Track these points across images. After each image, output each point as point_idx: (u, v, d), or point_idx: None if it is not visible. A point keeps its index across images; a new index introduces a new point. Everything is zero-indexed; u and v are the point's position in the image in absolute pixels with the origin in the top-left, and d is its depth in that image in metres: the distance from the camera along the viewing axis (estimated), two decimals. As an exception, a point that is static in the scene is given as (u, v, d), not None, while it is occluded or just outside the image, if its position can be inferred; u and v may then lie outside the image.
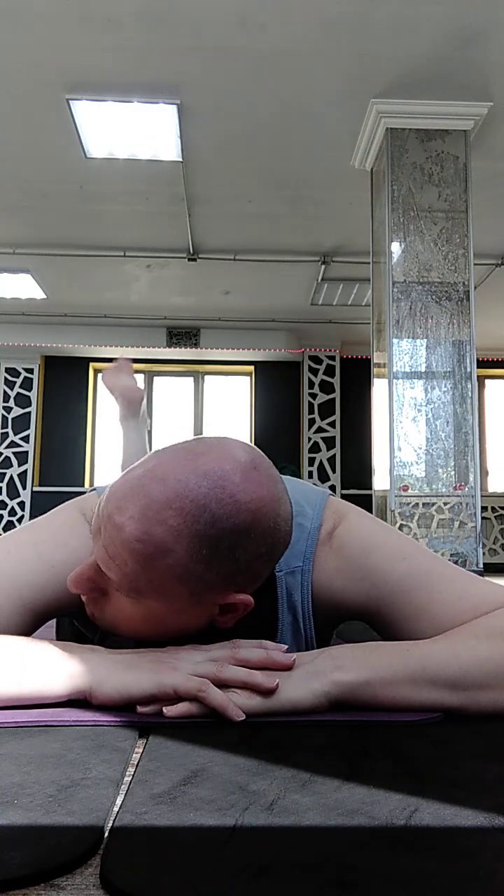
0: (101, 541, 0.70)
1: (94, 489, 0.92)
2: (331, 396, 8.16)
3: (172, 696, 0.66)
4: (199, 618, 0.73)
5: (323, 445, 8.10)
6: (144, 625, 0.73)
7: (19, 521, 7.86)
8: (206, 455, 0.69)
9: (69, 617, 0.91)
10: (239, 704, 0.66)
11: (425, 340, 3.81)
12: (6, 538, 0.85)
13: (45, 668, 0.68)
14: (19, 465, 7.96)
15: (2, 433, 8.00)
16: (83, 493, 0.93)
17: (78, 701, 0.69)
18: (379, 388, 4.05)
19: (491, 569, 6.76)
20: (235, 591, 0.71)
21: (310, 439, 8.10)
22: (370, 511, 4.07)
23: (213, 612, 0.72)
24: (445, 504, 3.67)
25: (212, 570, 0.68)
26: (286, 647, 0.71)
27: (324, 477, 8.02)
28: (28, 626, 0.79)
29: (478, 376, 4.93)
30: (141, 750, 0.61)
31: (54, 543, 0.82)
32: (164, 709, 0.66)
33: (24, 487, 7.93)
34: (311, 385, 8.17)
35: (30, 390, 8.06)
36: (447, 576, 0.82)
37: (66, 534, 0.84)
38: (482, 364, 7.72)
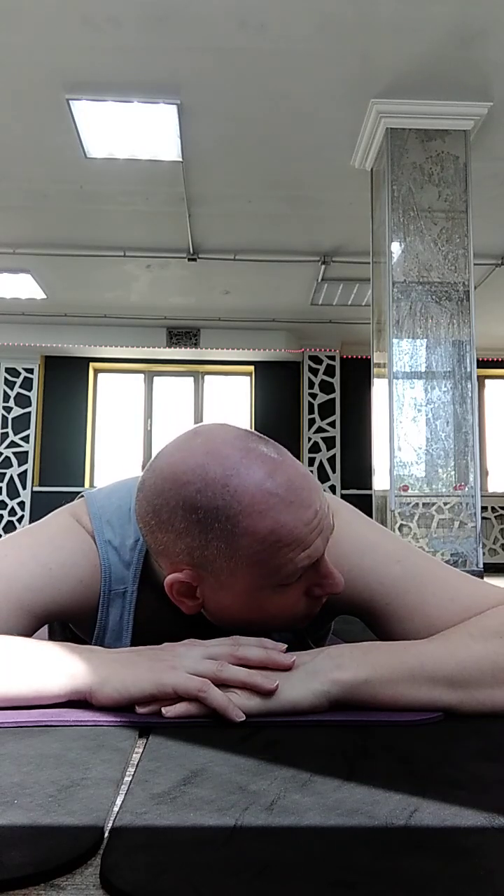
0: (318, 540, 0.72)
1: (82, 495, 0.92)
2: (331, 396, 8.16)
3: (172, 696, 0.66)
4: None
5: (323, 445, 8.10)
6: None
7: (19, 521, 7.86)
8: (253, 442, 0.75)
9: (65, 620, 0.91)
10: (239, 705, 0.66)
11: (425, 340, 3.81)
12: (3, 542, 0.85)
13: (44, 668, 0.68)
14: (19, 465, 7.96)
15: (2, 433, 8.00)
16: (83, 492, 0.93)
17: (78, 701, 0.69)
18: (379, 388, 4.04)
19: (491, 569, 6.76)
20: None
21: (310, 439, 8.10)
22: (370, 511, 4.07)
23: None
24: (445, 504, 3.67)
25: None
26: (285, 646, 0.71)
27: (324, 477, 8.02)
28: (26, 629, 0.79)
29: (478, 376, 4.93)
30: (141, 750, 0.61)
31: (51, 547, 0.83)
32: (163, 709, 0.66)
33: (24, 487, 7.93)
34: (311, 385, 8.17)
35: (30, 390, 8.06)
36: (440, 577, 0.82)
37: (62, 538, 0.84)
38: (482, 364, 7.72)
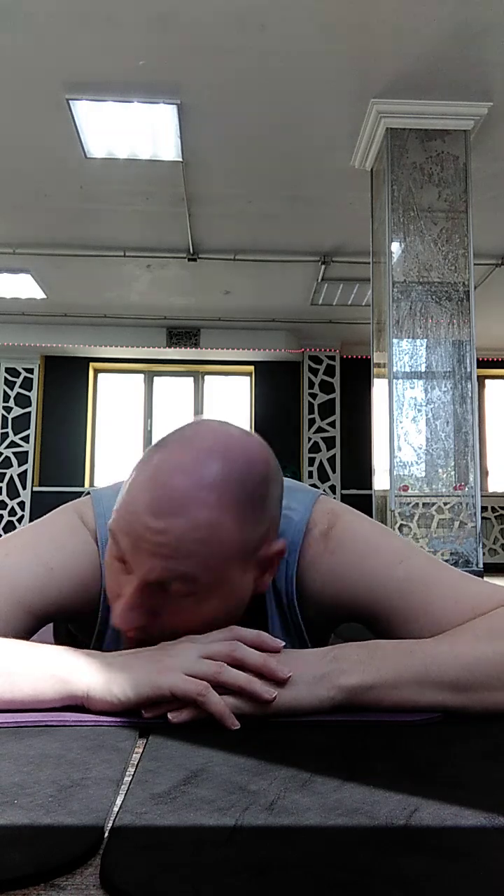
0: (144, 557, 0.69)
1: (89, 493, 0.91)
2: (331, 396, 8.16)
3: (170, 698, 0.65)
4: (247, 589, 0.75)
5: (323, 445, 8.10)
6: (207, 622, 0.73)
7: (19, 521, 7.86)
8: (200, 436, 0.73)
9: (67, 620, 0.91)
10: (241, 708, 0.65)
11: (425, 340, 3.81)
12: (5, 541, 0.84)
13: (39, 673, 0.68)
14: (19, 465, 7.96)
15: (2, 433, 8.00)
16: (83, 493, 0.93)
17: (76, 701, 0.69)
18: (379, 388, 4.05)
19: (491, 569, 6.76)
20: (269, 543, 0.75)
21: (310, 439, 8.10)
22: (370, 511, 4.07)
23: (256, 576, 0.75)
24: (445, 504, 3.67)
25: (258, 526, 0.72)
26: (283, 643, 0.70)
27: (324, 477, 8.02)
28: (26, 629, 0.79)
29: (478, 376, 4.93)
30: (141, 750, 0.61)
31: (53, 546, 0.82)
32: (169, 715, 0.65)
33: (24, 487, 7.93)
34: (311, 385, 8.17)
35: (30, 390, 8.07)
36: (444, 578, 0.82)
37: (64, 537, 0.84)
38: (482, 364, 7.72)
